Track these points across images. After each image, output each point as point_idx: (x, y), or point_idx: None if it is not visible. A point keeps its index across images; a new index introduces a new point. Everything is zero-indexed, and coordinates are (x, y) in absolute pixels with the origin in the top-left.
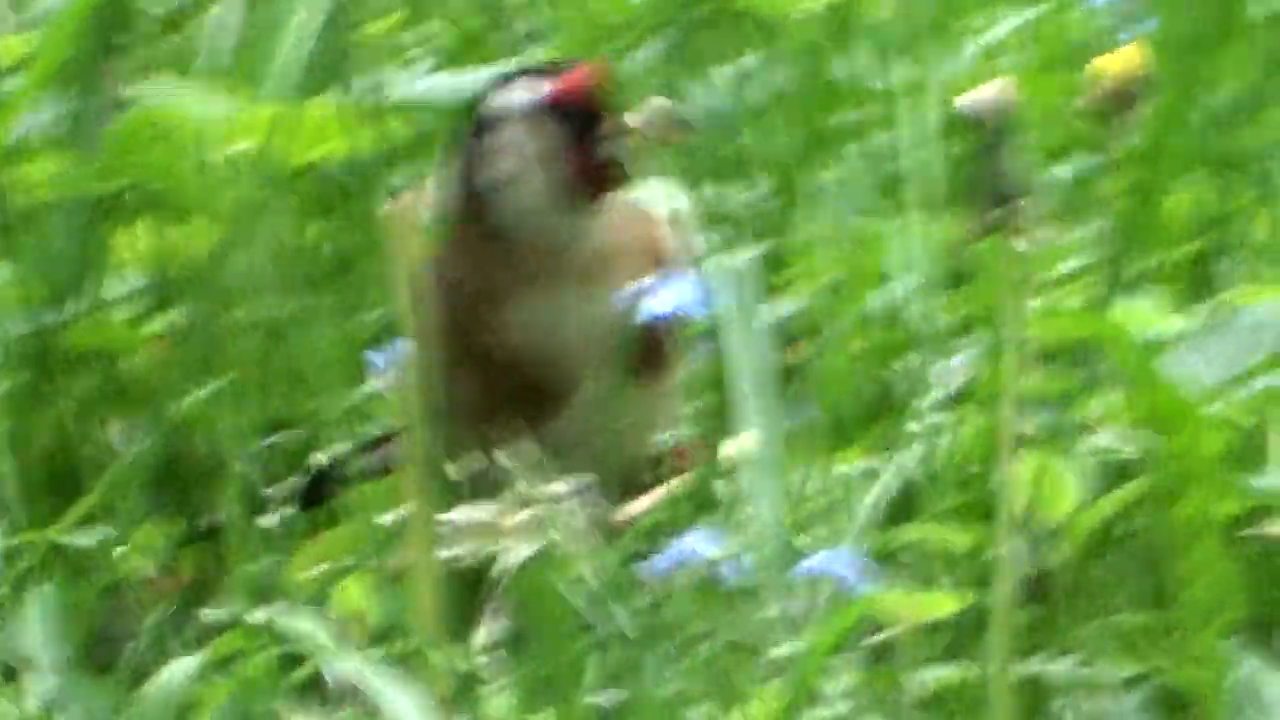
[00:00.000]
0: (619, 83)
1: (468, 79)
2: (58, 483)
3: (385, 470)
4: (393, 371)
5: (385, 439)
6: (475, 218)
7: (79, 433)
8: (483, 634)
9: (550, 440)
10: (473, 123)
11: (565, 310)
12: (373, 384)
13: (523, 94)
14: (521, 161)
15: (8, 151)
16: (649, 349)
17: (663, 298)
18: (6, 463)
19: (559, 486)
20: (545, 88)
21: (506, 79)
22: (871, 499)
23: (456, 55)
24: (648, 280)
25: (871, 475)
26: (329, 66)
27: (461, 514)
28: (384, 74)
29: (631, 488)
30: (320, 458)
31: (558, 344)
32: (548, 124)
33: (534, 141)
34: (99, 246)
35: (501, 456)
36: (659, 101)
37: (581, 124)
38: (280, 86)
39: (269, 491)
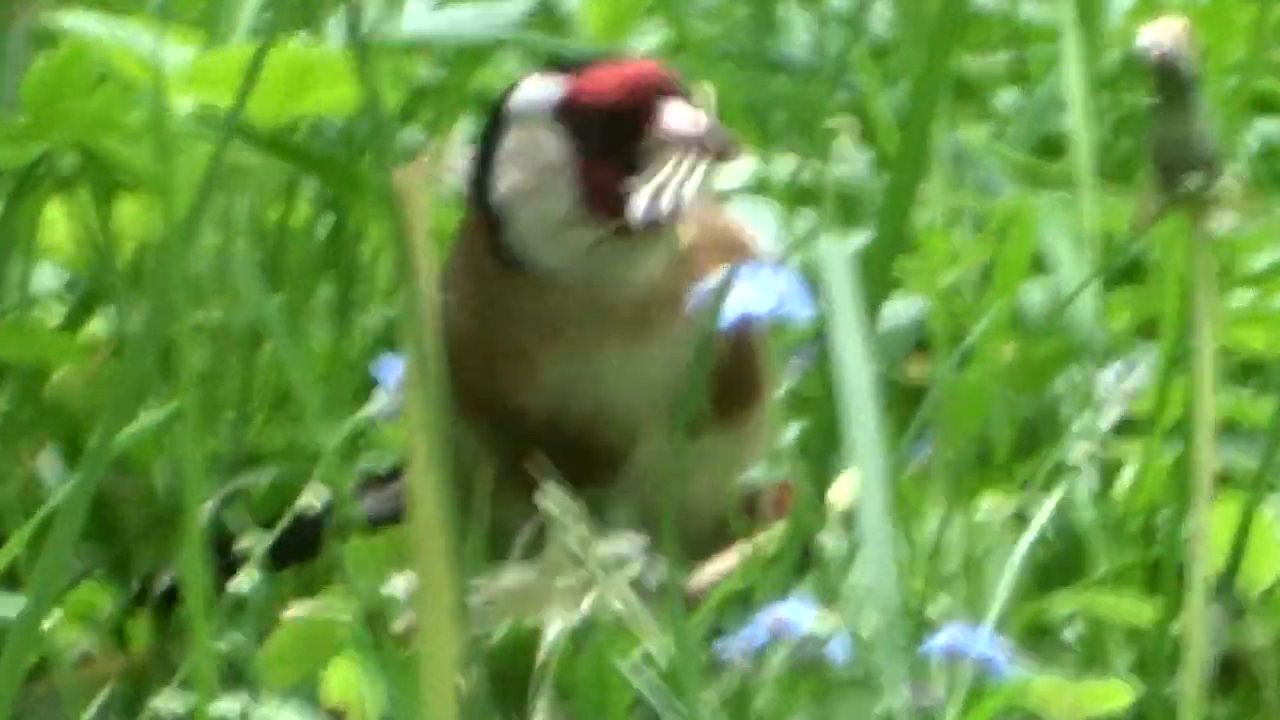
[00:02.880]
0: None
1: (488, 12)
2: None
3: (392, 518)
4: (401, 390)
5: (392, 477)
6: (491, 243)
7: None
8: None
9: (603, 504)
10: (491, 122)
11: (612, 368)
12: (377, 406)
13: (548, 90)
14: (536, 175)
15: None
16: (733, 373)
17: (750, 296)
18: None
19: (617, 543)
20: (567, 85)
21: (541, 71)
22: (1021, 555)
23: None
24: (728, 275)
25: (1022, 524)
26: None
27: (491, 577)
28: (374, 10)
29: (710, 543)
30: (307, 501)
31: (606, 406)
32: (569, 130)
33: (550, 151)
34: (20, 228)
35: (543, 506)
36: (704, 104)
37: (610, 133)
38: (241, 23)
39: (240, 545)
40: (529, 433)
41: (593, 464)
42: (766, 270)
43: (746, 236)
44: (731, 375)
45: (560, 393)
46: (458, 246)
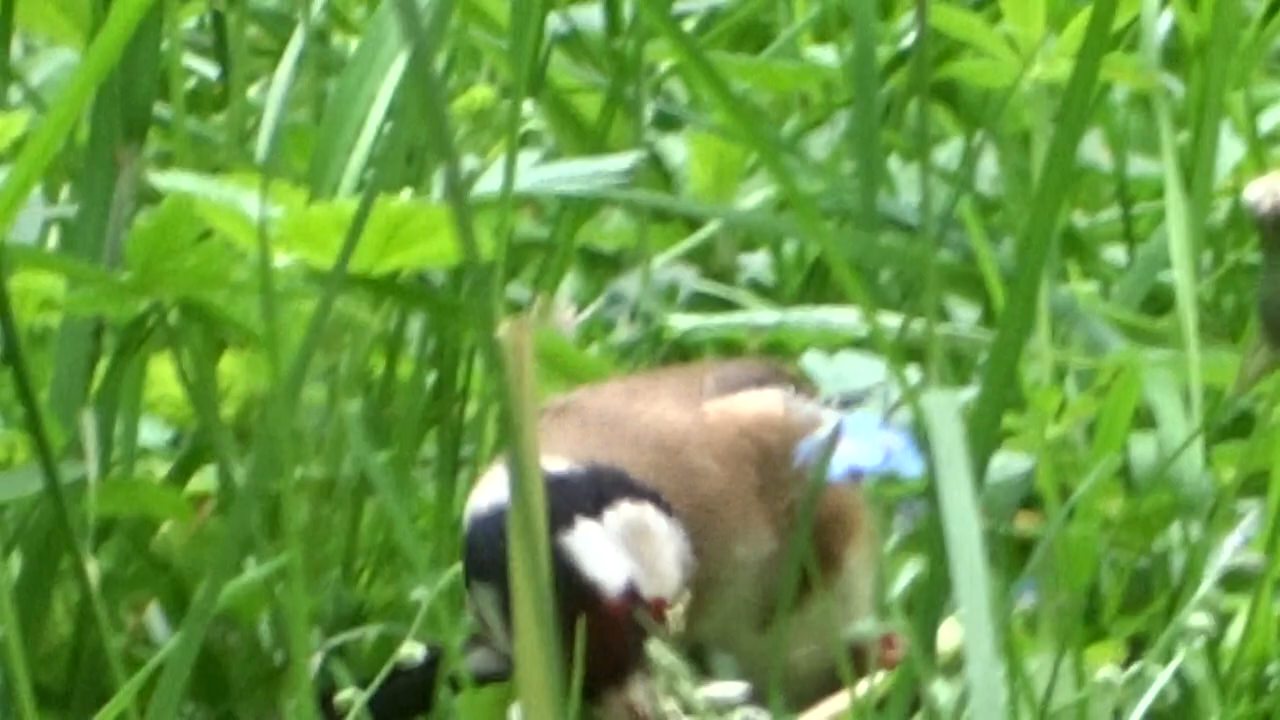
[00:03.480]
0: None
1: (594, 168)
2: (79, 685)
3: (500, 673)
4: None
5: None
6: None
7: (105, 620)
8: None
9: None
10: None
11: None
12: None
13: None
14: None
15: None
16: (825, 531)
17: (857, 451)
18: (17, 658)
19: (723, 689)
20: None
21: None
22: (1138, 711)
23: (565, 140)
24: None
25: (1137, 679)
26: (404, 155)
27: None
28: (478, 164)
29: (815, 690)
30: (407, 652)
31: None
32: None
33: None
34: (126, 383)
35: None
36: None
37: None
38: (345, 179)
39: (343, 698)
40: None
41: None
42: (873, 425)
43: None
44: (824, 531)
45: None
46: None
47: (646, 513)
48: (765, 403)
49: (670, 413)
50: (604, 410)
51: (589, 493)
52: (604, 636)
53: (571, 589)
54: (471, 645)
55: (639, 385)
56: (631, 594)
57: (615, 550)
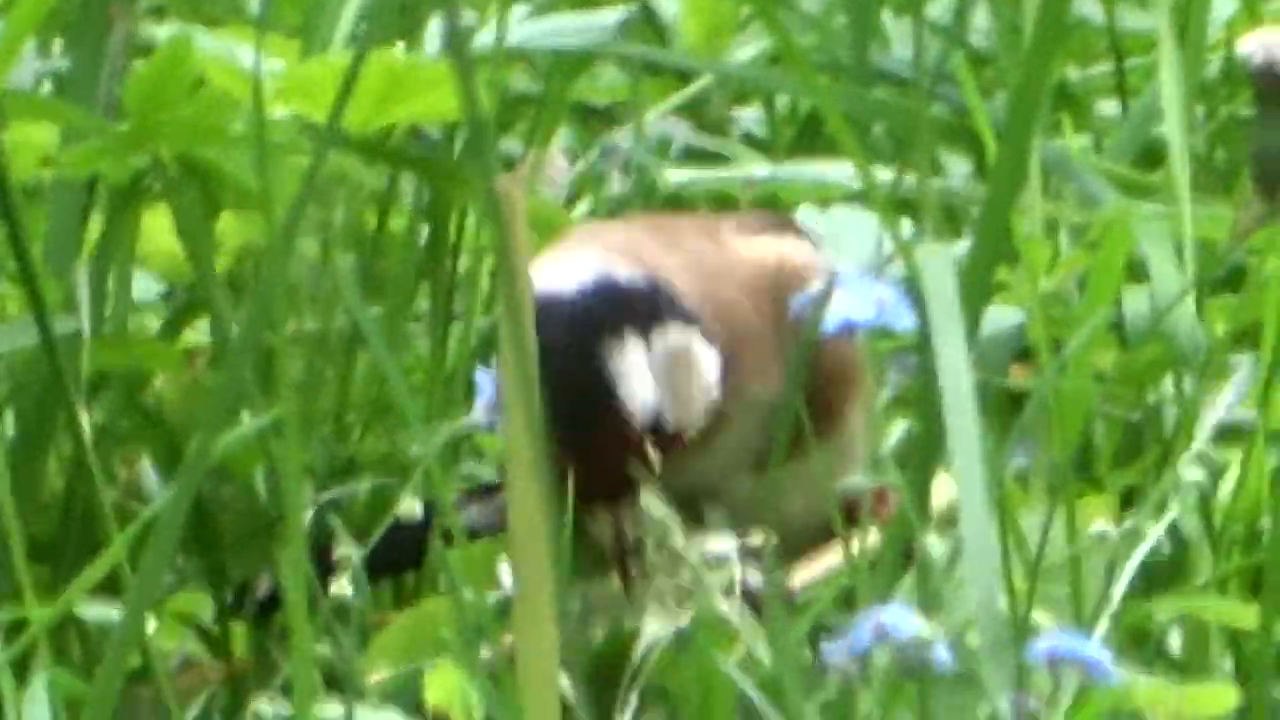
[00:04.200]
0: None
1: (586, 22)
2: (72, 538)
3: (495, 528)
4: (500, 400)
5: (494, 488)
6: None
7: (98, 474)
8: None
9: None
10: None
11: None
12: (480, 414)
13: None
14: None
15: None
16: (828, 384)
17: (851, 306)
18: (9, 512)
19: (716, 545)
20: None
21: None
22: (1128, 562)
23: None
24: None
25: (1127, 531)
26: (398, 9)
27: (590, 584)
28: (471, 19)
29: (809, 544)
30: (405, 509)
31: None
32: None
33: None
34: (120, 238)
35: (641, 509)
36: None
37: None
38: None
39: (340, 553)
40: None
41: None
42: (864, 280)
43: (801, 258)
44: (821, 387)
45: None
46: None
47: (693, 340)
48: (788, 247)
49: (701, 244)
50: (642, 233)
51: (644, 308)
52: (616, 456)
53: (599, 405)
54: (465, 500)
55: (660, 222)
56: (655, 425)
57: (653, 377)
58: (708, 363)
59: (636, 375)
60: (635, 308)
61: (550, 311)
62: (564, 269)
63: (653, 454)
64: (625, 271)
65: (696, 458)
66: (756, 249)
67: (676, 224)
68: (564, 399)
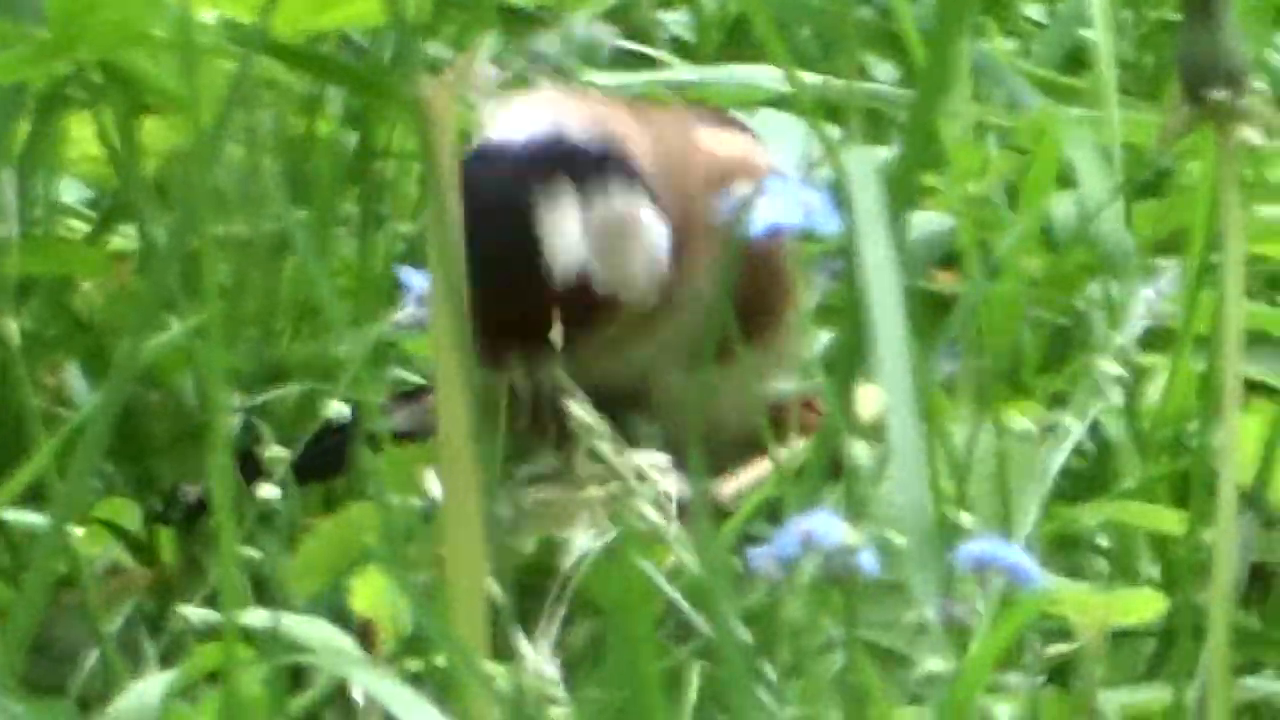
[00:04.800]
0: None
1: None
2: None
3: (421, 432)
4: (426, 302)
5: (421, 391)
6: None
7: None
8: (544, 644)
9: (628, 423)
10: None
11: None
12: (405, 316)
13: None
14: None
15: None
16: (757, 289)
17: (777, 210)
18: None
19: (644, 455)
20: None
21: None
22: (1052, 467)
23: None
24: (754, 190)
25: (1051, 436)
26: None
27: (517, 490)
28: None
29: (737, 457)
30: (334, 413)
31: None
32: None
33: None
34: (45, 143)
35: (570, 419)
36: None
37: None
38: None
39: (266, 458)
40: None
41: (613, 402)
42: (793, 184)
43: (759, 159)
44: (756, 291)
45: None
46: None
47: (641, 209)
48: (746, 145)
49: (671, 130)
50: (618, 107)
51: (588, 166)
52: (530, 308)
53: (515, 252)
54: (392, 404)
55: (639, 104)
56: (581, 285)
57: (587, 236)
58: (657, 235)
59: (565, 230)
60: (578, 163)
61: (492, 159)
62: (522, 121)
63: (578, 314)
64: (581, 130)
65: (639, 341)
66: (719, 143)
67: (654, 109)
68: (485, 245)
